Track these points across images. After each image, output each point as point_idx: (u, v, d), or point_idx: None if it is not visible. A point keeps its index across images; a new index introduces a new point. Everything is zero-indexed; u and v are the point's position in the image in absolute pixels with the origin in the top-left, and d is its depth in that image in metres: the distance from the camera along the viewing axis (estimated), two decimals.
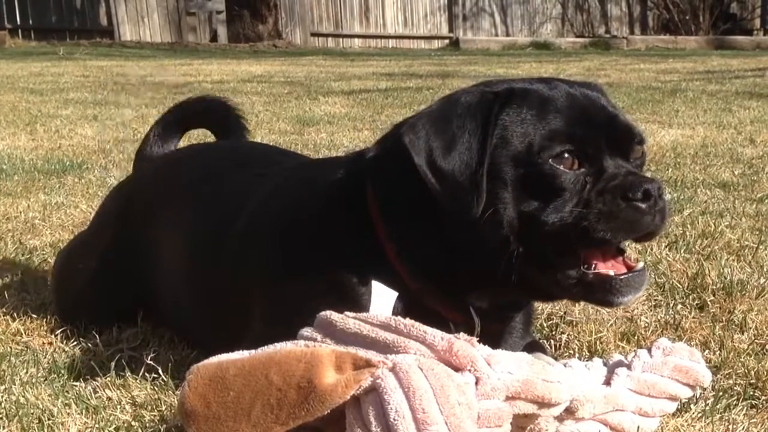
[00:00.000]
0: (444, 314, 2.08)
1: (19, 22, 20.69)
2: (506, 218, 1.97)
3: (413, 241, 2.08)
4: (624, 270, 2.00)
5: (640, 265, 2.02)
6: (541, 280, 2.03)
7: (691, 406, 2.15)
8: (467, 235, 2.01)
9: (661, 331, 2.73)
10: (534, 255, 1.99)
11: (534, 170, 1.96)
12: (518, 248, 1.98)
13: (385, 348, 1.71)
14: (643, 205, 1.93)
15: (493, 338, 2.09)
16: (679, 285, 3.12)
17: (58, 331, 2.74)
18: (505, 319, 2.24)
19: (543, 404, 1.74)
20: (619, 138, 2.04)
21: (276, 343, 1.75)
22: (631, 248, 3.60)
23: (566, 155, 1.96)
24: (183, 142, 3.35)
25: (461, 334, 1.78)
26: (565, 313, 2.86)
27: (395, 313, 1.98)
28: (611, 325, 2.77)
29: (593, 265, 1.98)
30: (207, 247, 2.48)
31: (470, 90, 2.10)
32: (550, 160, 1.95)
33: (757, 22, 26.64)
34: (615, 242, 1.97)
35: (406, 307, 2.02)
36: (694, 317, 2.85)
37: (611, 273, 1.98)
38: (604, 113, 2.05)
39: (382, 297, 1.95)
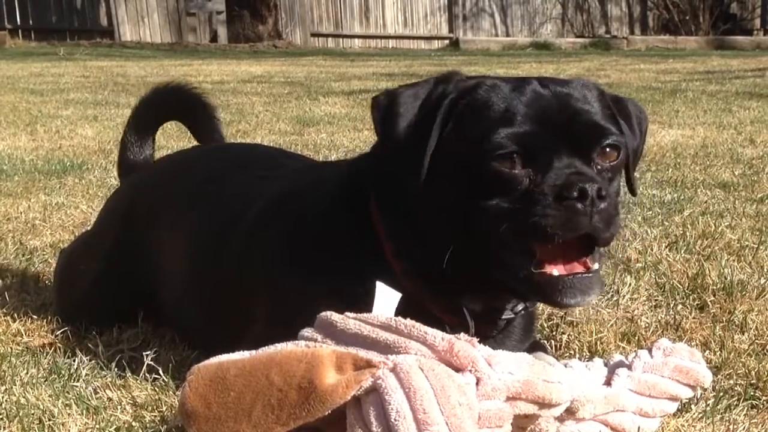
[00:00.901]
0: (438, 315, 2.09)
1: (19, 23, 20.69)
2: (449, 209, 2.00)
3: (407, 239, 2.09)
4: (579, 271, 1.96)
5: (595, 266, 1.98)
6: (497, 278, 2.02)
7: (692, 406, 2.15)
8: (426, 225, 2.05)
9: (662, 332, 2.73)
10: (482, 251, 1.99)
11: (478, 167, 1.96)
12: (465, 242, 2.00)
13: (385, 348, 1.72)
14: (578, 205, 1.90)
15: (490, 341, 2.09)
16: (679, 285, 3.12)
17: (59, 332, 2.74)
18: (501, 322, 2.23)
19: (544, 405, 1.74)
20: (578, 138, 2.00)
21: (277, 344, 1.75)
22: (631, 249, 3.60)
23: (510, 154, 1.94)
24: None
25: (462, 334, 1.78)
26: (565, 313, 2.86)
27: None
28: (611, 325, 2.77)
29: (543, 265, 1.95)
30: (211, 248, 2.48)
31: (451, 76, 2.11)
32: (494, 159, 1.94)
33: (757, 22, 26.64)
34: (547, 241, 1.92)
35: (404, 307, 2.01)
36: (694, 317, 2.85)
37: (555, 273, 1.95)
38: (566, 113, 2.01)
39: (386, 298, 1.95)
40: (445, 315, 2.10)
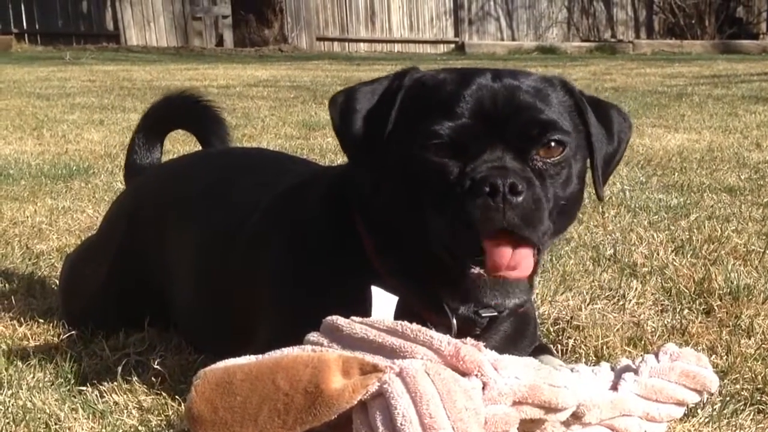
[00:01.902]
0: (422, 313, 2.06)
1: (25, 27, 20.73)
2: (399, 202, 2.01)
3: (381, 236, 2.09)
4: (508, 274, 1.92)
5: (515, 273, 1.93)
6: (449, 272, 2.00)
7: (698, 411, 2.15)
8: (387, 219, 2.06)
9: (668, 336, 2.73)
10: (427, 244, 1.99)
11: (415, 157, 1.96)
12: (416, 236, 2.00)
13: (391, 353, 1.72)
14: (489, 201, 1.87)
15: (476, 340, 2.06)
16: (685, 290, 3.12)
17: (65, 336, 2.74)
18: (485, 322, 2.16)
19: (550, 409, 1.74)
20: (516, 132, 1.97)
21: (283, 348, 1.75)
22: (637, 253, 3.59)
23: (442, 145, 1.94)
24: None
25: (468, 339, 1.78)
26: (571, 317, 2.86)
27: None
28: (618, 330, 2.77)
29: (473, 264, 1.93)
30: (216, 252, 2.49)
31: (409, 71, 2.11)
32: (427, 148, 1.94)
33: (763, 26, 26.58)
34: (466, 237, 1.90)
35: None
36: (700, 322, 2.85)
37: (477, 270, 1.93)
38: (510, 107, 1.98)
39: (383, 302, 1.94)
40: (426, 313, 2.07)
